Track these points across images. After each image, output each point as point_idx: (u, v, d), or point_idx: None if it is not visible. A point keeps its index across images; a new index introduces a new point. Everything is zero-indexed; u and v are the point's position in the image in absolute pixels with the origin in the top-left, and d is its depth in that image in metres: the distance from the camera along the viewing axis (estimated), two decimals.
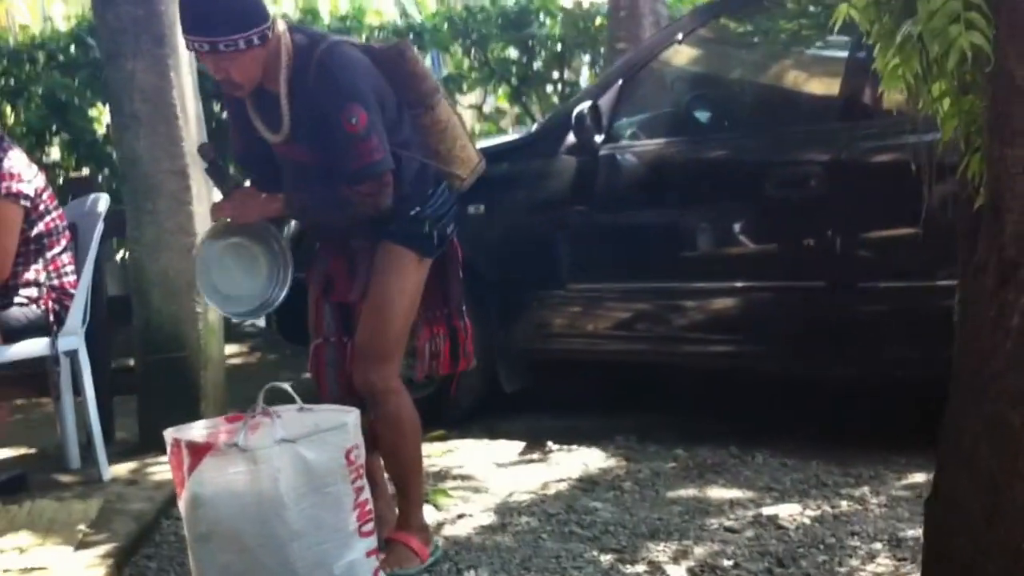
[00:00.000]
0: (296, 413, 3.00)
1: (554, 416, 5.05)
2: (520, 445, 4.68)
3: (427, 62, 7.77)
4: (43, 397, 4.60)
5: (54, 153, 7.45)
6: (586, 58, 8.42)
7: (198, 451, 2.82)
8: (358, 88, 3.13)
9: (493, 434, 4.82)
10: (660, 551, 3.47)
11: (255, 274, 3.35)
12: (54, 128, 7.23)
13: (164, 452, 4.40)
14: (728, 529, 3.63)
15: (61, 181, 6.77)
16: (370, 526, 2.99)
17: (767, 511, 3.76)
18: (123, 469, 4.39)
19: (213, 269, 3.33)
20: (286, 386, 3.06)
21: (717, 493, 3.98)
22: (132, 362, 4.87)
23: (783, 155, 4.54)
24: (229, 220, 3.35)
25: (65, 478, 4.33)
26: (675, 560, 3.40)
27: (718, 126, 4.77)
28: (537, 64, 8.14)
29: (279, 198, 3.26)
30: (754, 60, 5.06)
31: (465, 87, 8.17)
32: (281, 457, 2.80)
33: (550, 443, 4.63)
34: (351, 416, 3.00)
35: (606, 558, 3.42)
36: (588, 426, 4.86)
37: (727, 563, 3.35)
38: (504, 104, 8.73)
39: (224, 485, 2.79)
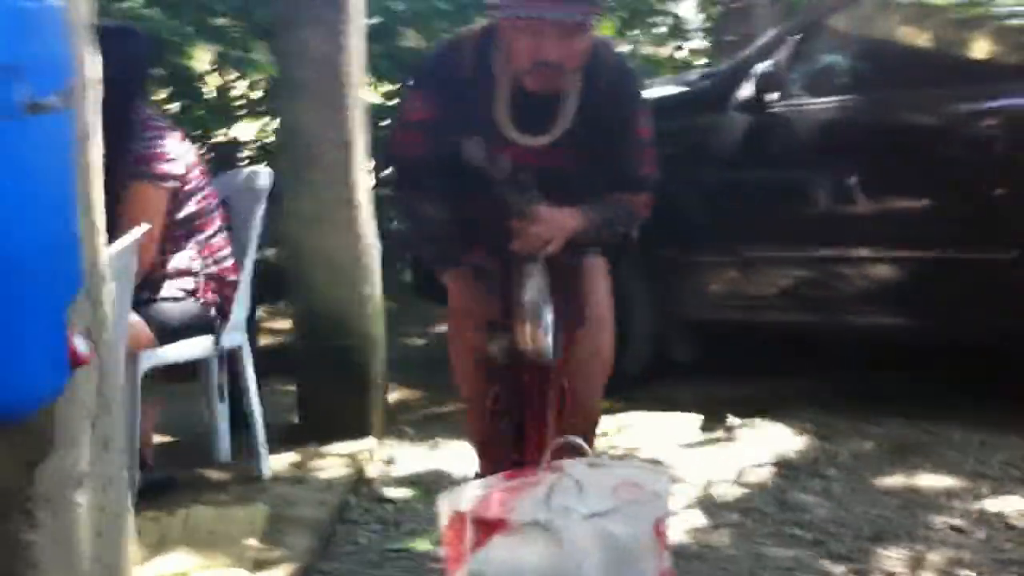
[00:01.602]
0: (588, 469, 2.60)
1: (722, 381, 4.85)
2: (696, 418, 4.50)
3: None
4: (190, 381, 4.04)
5: None
6: None
7: (488, 527, 2.46)
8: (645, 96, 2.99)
9: (663, 404, 4.61)
10: (893, 558, 3.30)
11: None
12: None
13: (325, 441, 4.16)
14: (955, 529, 3.47)
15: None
16: None
17: (990, 505, 3.59)
18: (282, 463, 3.96)
19: None
20: (580, 441, 2.71)
21: (928, 481, 3.81)
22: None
23: (969, 115, 4.29)
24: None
25: (216, 475, 3.88)
26: (912, 569, 3.24)
27: (902, 83, 4.48)
28: None
29: (577, 214, 2.77)
30: (941, 15, 4.75)
31: None
32: (588, 536, 2.40)
33: (731, 417, 4.46)
34: (663, 480, 2.67)
35: (839, 569, 3.26)
36: (762, 394, 4.69)
37: (968, 573, 3.20)
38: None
39: (514, 565, 2.44)
